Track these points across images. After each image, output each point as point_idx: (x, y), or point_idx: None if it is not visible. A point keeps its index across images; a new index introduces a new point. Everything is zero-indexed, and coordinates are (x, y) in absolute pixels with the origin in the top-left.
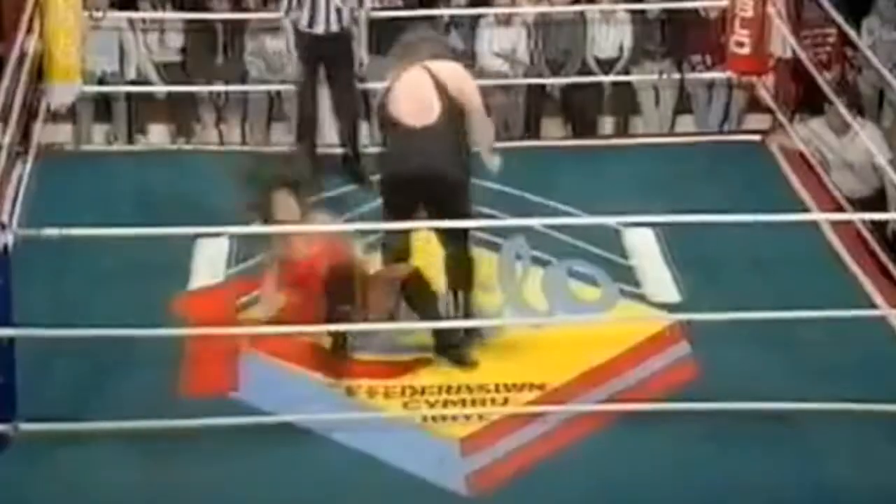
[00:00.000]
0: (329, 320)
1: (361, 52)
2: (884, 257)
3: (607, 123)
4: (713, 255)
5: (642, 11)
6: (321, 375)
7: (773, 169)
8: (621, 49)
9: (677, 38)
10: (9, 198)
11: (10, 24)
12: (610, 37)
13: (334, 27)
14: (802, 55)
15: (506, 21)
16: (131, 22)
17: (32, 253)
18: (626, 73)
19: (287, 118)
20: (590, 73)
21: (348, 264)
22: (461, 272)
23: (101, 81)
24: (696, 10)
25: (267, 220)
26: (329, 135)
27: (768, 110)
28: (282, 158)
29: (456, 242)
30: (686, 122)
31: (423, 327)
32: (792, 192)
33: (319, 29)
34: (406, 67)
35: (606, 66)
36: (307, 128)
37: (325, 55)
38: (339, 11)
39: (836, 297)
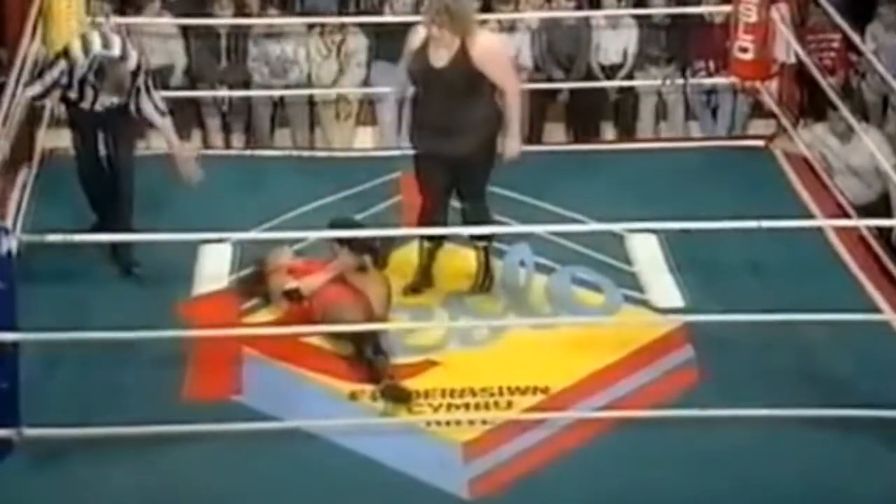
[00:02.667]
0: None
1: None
2: (888, 262)
3: (610, 129)
4: (717, 261)
5: (647, 16)
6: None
7: (776, 174)
8: (625, 55)
9: (681, 43)
10: (13, 203)
11: (13, 29)
12: (614, 42)
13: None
14: (806, 60)
15: (510, 28)
16: (135, 27)
17: (36, 258)
18: (630, 78)
19: (290, 124)
20: (594, 78)
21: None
22: (479, 225)
23: None
24: (700, 15)
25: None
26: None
27: (772, 115)
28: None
29: (474, 200)
30: (691, 128)
31: (427, 328)
32: (796, 196)
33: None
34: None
35: (610, 71)
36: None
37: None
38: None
39: (839, 302)
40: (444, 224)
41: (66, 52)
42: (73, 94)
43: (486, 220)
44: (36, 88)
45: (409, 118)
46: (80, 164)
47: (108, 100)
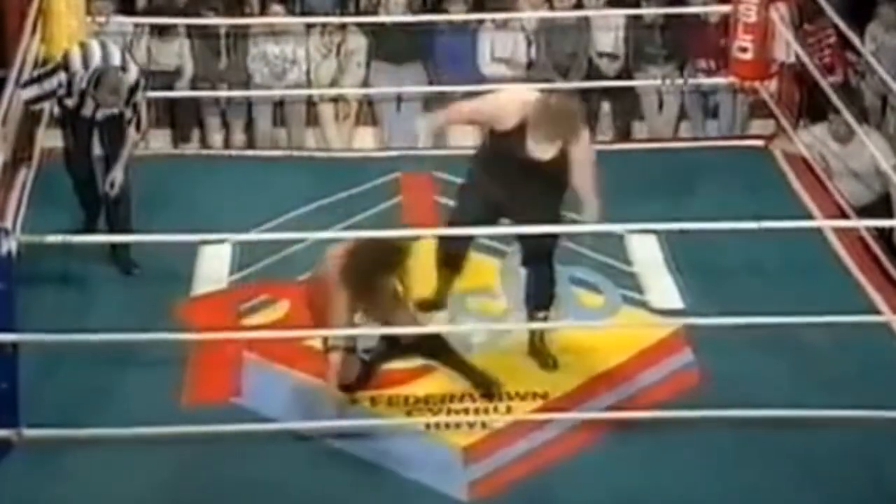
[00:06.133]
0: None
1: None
2: (887, 263)
3: (609, 128)
4: (716, 262)
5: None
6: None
7: (776, 174)
8: (616, 42)
9: (678, 42)
10: (12, 203)
11: (13, 28)
12: (610, 40)
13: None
14: (806, 60)
15: (504, 25)
16: (135, 27)
17: (36, 259)
18: (629, 77)
19: (289, 124)
20: (595, 75)
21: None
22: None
23: None
24: (696, 14)
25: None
26: None
27: (771, 116)
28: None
29: (540, 263)
30: (689, 128)
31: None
32: (795, 197)
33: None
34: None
35: (608, 58)
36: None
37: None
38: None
39: (839, 304)
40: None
41: (65, 64)
42: (71, 103)
43: (551, 289)
44: (32, 91)
45: (475, 165)
46: (71, 163)
47: (108, 110)
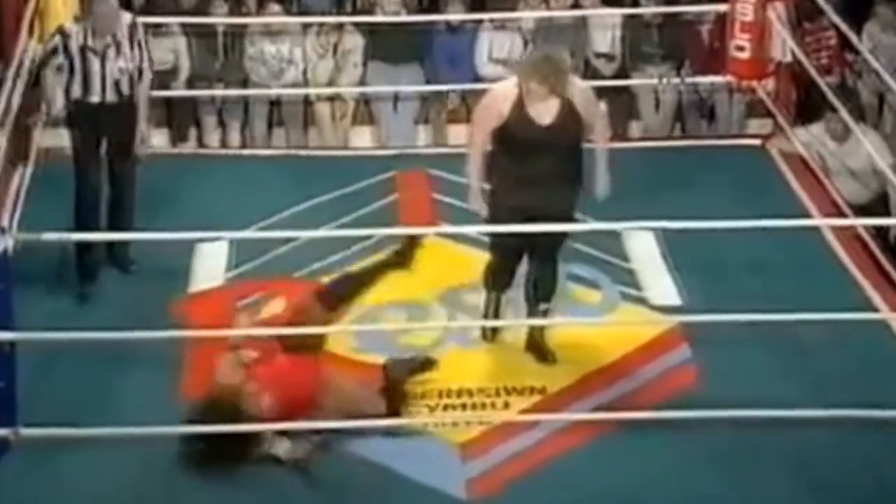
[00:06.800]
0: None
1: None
2: (884, 261)
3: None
4: (714, 259)
5: (639, 15)
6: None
7: (773, 173)
8: (613, 42)
9: (675, 41)
10: (9, 202)
11: (9, 28)
12: (607, 39)
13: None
14: (803, 59)
15: (501, 25)
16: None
17: (33, 257)
18: (626, 76)
19: (286, 123)
20: (592, 74)
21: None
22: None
23: None
24: (691, 13)
25: None
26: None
27: (769, 114)
28: None
29: (552, 260)
30: (687, 127)
31: (422, 328)
32: (793, 196)
33: (94, 99)
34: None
35: (605, 58)
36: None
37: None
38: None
39: (837, 301)
40: (510, 285)
41: (60, 30)
42: (77, 87)
43: (556, 282)
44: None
45: (494, 176)
46: (80, 163)
47: (115, 70)
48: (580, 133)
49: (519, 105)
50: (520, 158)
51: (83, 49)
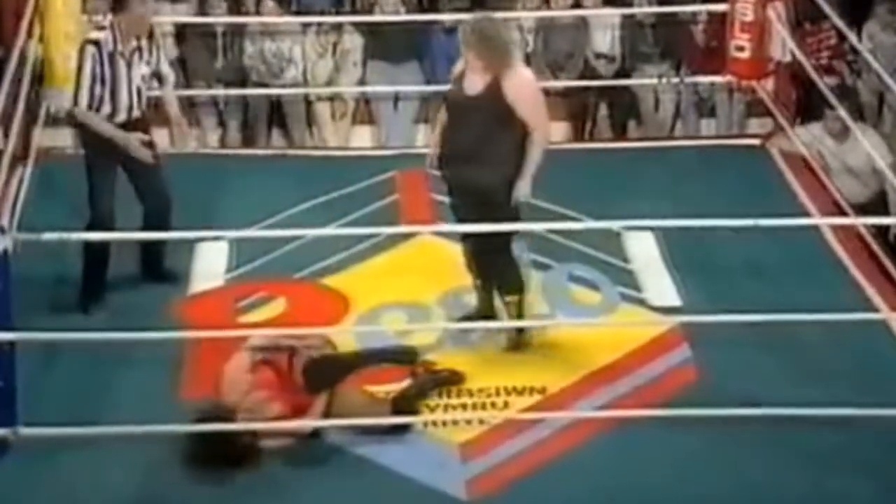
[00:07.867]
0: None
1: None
2: (885, 260)
3: (607, 126)
4: (714, 259)
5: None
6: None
7: (773, 172)
8: (612, 43)
9: (673, 40)
10: (8, 202)
11: (9, 28)
12: (606, 38)
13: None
14: (803, 59)
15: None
16: None
17: (32, 257)
18: (626, 75)
19: (286, 123)
20: (592, 74)
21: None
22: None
23: None
24: (689, 13)
25: None
26: None
27: (768, 114)
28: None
29: (495, 251)
30: (687, 127)
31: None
32: (793, 195)
33: (121, 117)
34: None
35: (605, 59)
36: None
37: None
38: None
39: (836, 300)
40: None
41: (90, 39)
42: (107, 106)
43: (511, 276)
44: (83, 97)
45: (438, 144)
46: (95, 200)
47: (138, 77)
48: (506, 115)
49: (461, 74)
50: (449, 126)
51: (112, 55)
